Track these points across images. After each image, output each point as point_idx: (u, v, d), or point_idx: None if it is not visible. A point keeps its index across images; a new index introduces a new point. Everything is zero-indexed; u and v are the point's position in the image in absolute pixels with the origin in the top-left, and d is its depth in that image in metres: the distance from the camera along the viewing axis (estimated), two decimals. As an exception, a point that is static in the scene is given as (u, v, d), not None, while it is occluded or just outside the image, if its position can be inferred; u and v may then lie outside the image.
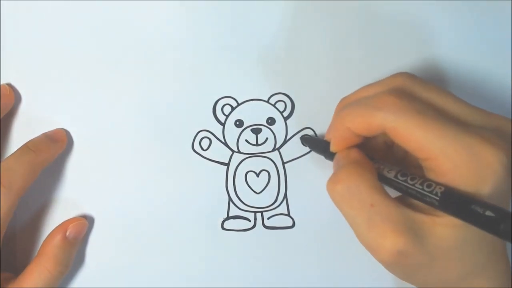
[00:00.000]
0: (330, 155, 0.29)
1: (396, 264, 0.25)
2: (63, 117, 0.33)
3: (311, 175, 0.32)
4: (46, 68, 0.32)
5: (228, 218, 0.33)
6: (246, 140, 0.33)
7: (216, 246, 0.32)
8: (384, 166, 0.27)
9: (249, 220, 0.33)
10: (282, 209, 0.33)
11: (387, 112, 0.25)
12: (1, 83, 0.32)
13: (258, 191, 0.33)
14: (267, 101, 0.33)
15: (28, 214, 0.33)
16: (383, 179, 0.26)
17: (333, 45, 0.32)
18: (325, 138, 0.30)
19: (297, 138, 0.33)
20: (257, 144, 0.33)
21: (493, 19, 0.32)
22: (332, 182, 0.26)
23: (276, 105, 0.33)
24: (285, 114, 0.33)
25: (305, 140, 0.32)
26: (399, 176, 0.25)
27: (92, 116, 0.32)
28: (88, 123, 0.32)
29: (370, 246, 0.25)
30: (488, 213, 0.21)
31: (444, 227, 0.24)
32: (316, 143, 0.31)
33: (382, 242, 0.24)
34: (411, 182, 0.25)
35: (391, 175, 0.26)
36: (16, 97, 0.32)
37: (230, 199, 0.33)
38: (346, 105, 0.28)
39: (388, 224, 0.24)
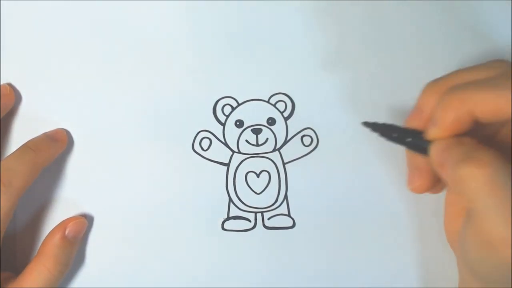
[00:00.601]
0: (416, 144, 0.26)
1: None
2: (63, 117, 0.32)
3: (312, 175, 0.32)
4: (46, 68, 0.32)
5: (228, 218, 0.33)
6: (247, 141, 0.33)
7: (216, 246, 0.32)
8: None
9: (250, 221, 0.33)
10: (283, 209, 0.33)
11: None
12: (1, 83, 0.32)
13: (258, 192, 0.33)
14: (268, 101, 0.33)
15: (28, 214, 0.33)
16: None
17: (333, 44, 0.32)
18: (406, 126, 0.27)
19: (297, 139, 0.33)
20: (257, 145, 0.33)
21: (493, 19, 0.32)
22: (473, 166, 0.22)
23: (277, 105, 0.33)
24: (286, 114, 0.33)
25: (375, 127, 0.27)
26: None
27: (92, 116, 0.32)
28: (88, 123, 0.32)
29: (499, 239, 0.22)
30: None
31: None
32: (397, 130, 0.27)
33: None
34: None
35: None
36: (16, 97, 0.32)
37: (230, 200, 0.32)
38: (456, 86, 0.25)
39: None
